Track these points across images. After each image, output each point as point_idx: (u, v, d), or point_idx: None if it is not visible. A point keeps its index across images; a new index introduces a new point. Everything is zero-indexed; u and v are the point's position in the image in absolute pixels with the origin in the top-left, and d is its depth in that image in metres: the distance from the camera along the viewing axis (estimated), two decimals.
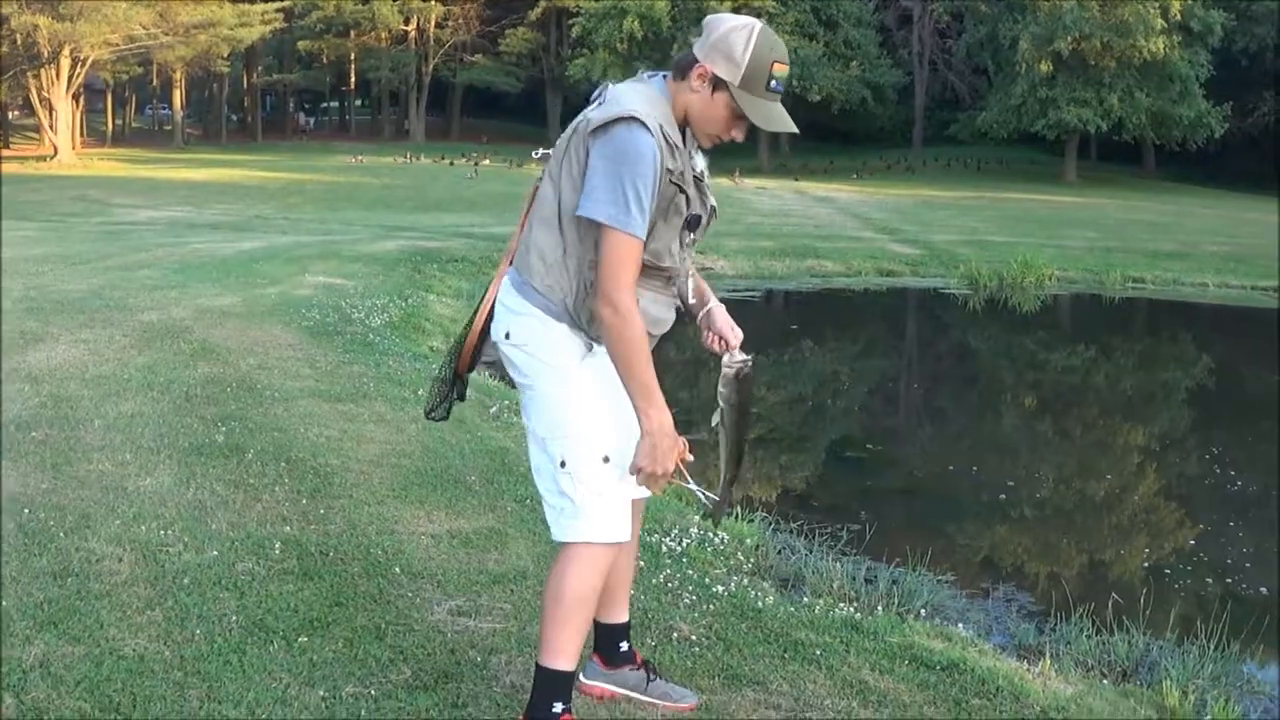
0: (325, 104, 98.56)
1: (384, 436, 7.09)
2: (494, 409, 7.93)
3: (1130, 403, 13.04)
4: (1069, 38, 48.88)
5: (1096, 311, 19.47)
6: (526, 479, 6.16)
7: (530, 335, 3.32)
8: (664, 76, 3.38)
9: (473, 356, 3.57)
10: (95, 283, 13.44)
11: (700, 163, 3.41)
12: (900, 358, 15.88)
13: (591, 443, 3.30)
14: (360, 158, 53.80)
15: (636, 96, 3.27)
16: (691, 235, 3.41)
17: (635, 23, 55.03)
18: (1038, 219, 31.43)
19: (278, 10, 63.17)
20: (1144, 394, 13.64)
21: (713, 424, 3.51)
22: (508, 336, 3.36)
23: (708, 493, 3.69)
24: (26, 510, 5.35)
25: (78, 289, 12.83)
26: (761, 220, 28.41)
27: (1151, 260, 23.03)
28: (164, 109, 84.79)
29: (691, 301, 3.60)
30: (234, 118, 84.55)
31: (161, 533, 5.14)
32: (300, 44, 70.17)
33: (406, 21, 70.34)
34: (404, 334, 11.48)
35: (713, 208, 3.46)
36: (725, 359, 3.46)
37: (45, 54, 51.34)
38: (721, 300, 3.66)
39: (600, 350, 3.31)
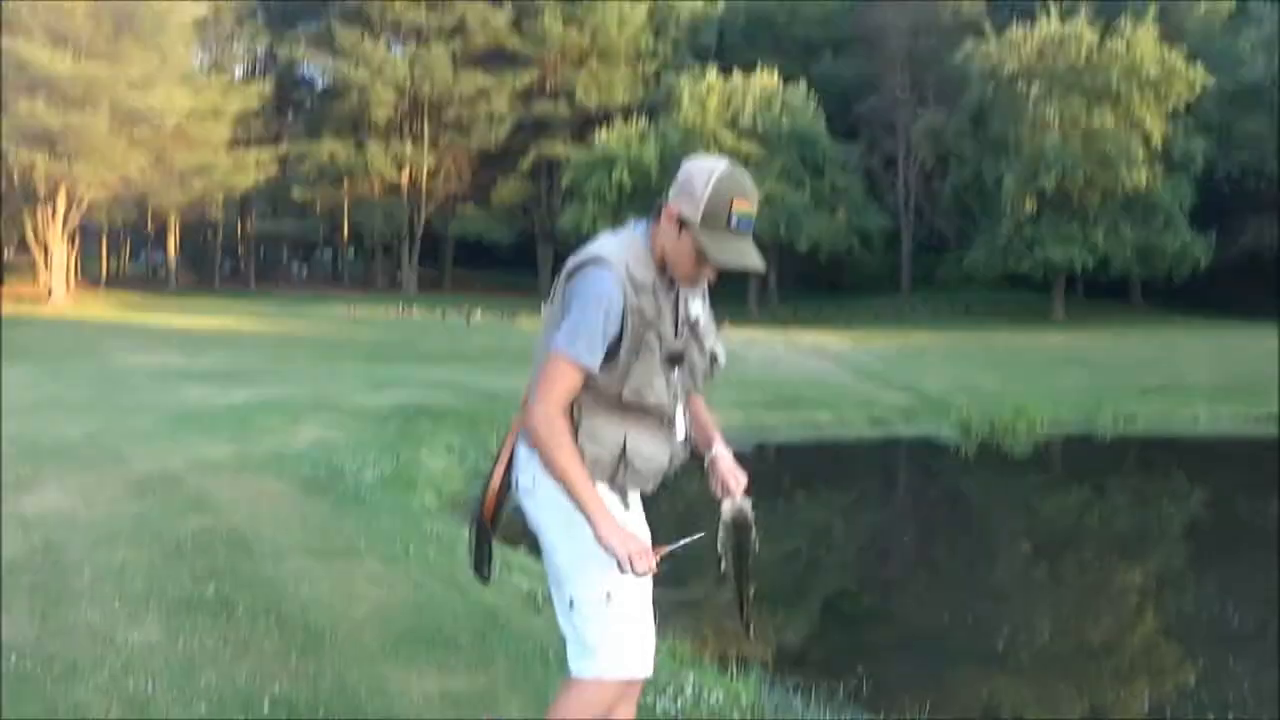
0: (319, 253, 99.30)
1: (375, 594, 7.03)
2: None
3: (1125, 542, 13.01)
4: (1052, 174, 49.41)
5: (1089, 452, 19.50)
6: (519, 637, 6.14)
7: (537, 481, 3.44)
8: (648, 222, 3.50)
9: (496, 506, 3.62)
10: (89, 429, 13.43)
11: (696, 308, 3.55)
12: (894, 508, 15.85)
13: (593, 581, 3.39)
14: (353, 308, 54.08)
15: (611, 241, 3.46)
16: (675, 372, 3.46)
17: (624, 172, 55.74)
18: (1027, 361, 31.59)
19: (272, 157, 64.00)
20: (1139, 533, 13.61)
21: (721, 569, 3.55)
22: (518, 484, 3.52)
23: (687, 542, 3.65)
24: (14, 656, 5.30)
25: (71, 434, 12.82)
26: (751, 371, 28.48)
27: (1142, 396, 23.14)
28: (158, 254, 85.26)
29: (698, 446, 3.69)
30: (228, 265, 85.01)
31: (149, 686, 5.07)
32: (294, 192, 70.83)
33: (399, 171, 71.17)
34: (396, 490, 11.43)
35: (714, 355, 3.61)
36: (724, 504, 3.51)
37: (42, 193, 51.85)
38: None
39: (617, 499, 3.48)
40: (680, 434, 3.57)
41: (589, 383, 3.36)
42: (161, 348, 31.85)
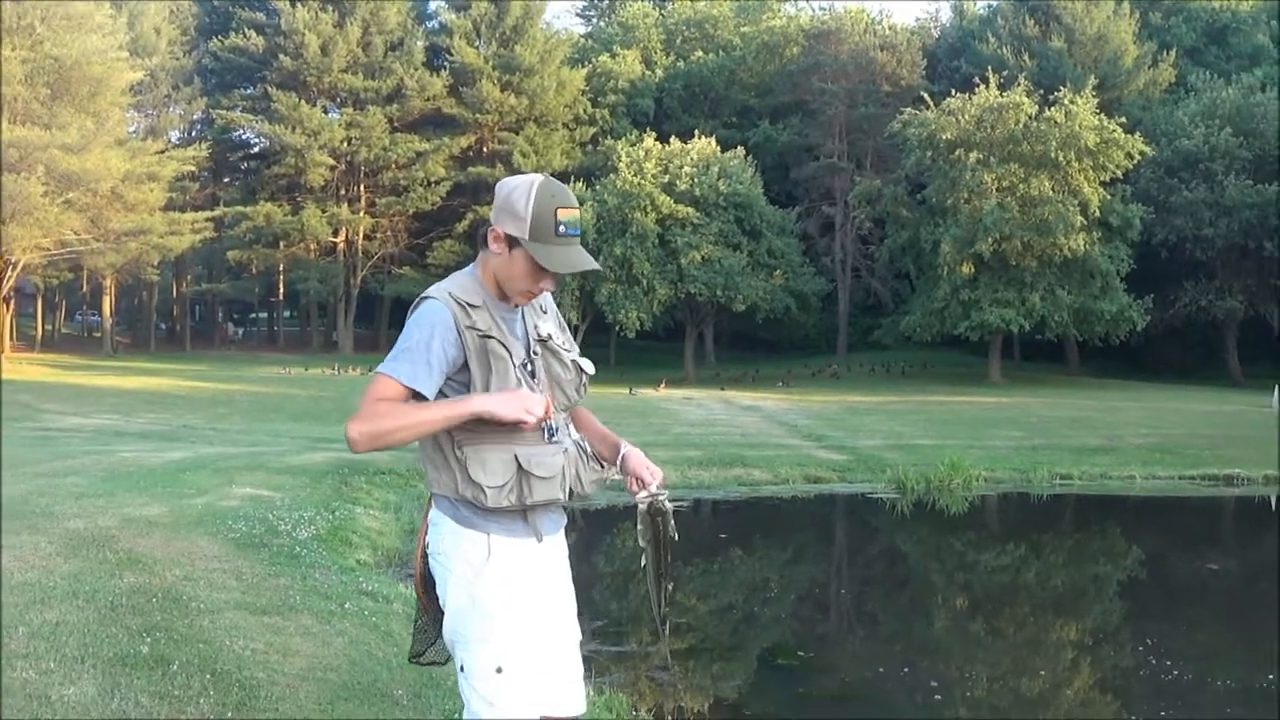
0: (254, 314, 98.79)
1: (310, 649, 7.00)
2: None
3: (1062, 599, 13.12)
4: (990, 239, 49.87)
5: (1025, 510, 19.65)
6: (454, 693, 6.13)
7: (439, 543, 3.48)
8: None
9: (425, 570, 3.61)
10: (22, 489, 13.27)
11: (547, 326, 3.63)
12: (830, 563, 15.90)
13: (486, 653, 3.36)
14: (289, 369, 53.78)
15: (443, 282, 3.53)
16: (534, 380, 3.49)
17: None
18: (963, 420, 31.83)
19: (208, 219, 63.84)
20: (1075, 589, 13.73)
21: (642, 564, 3.60)
22: (429, 549, 3.55)
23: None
24: None
25: (5, 494, 12.66)
26: (688, 430, 28.55)
27: (1078, 456, 23.34)
28: (93, 315, 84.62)
29: (603, 455, 3.72)
30: (163, 326, 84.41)
31: None
32: (230, 254, 70.59)
33: (335, 233, 71.10)
34: (331, 547, 11.38)
35: (578, 365, 3.66)
36: (639, 496, 3.55)
37: None
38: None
39: (527, 547, 3.49)
40: (568, 443, 3.56)
41: (466, 423, 3.36)
42: (96, 408, 31.58)
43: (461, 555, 3.41)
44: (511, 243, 3.41)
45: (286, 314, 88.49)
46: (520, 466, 3.41)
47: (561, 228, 3.38)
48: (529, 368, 3.50)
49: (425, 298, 3.45)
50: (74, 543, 9.87)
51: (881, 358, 61.34)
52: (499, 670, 3.34)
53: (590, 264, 3.46)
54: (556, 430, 3.51)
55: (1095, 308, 51.29)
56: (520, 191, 3.42)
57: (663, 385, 47.06)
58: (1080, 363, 60.23)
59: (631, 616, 10.66)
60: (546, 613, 3.45)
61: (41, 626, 7.00)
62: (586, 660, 3.68)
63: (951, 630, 11.45)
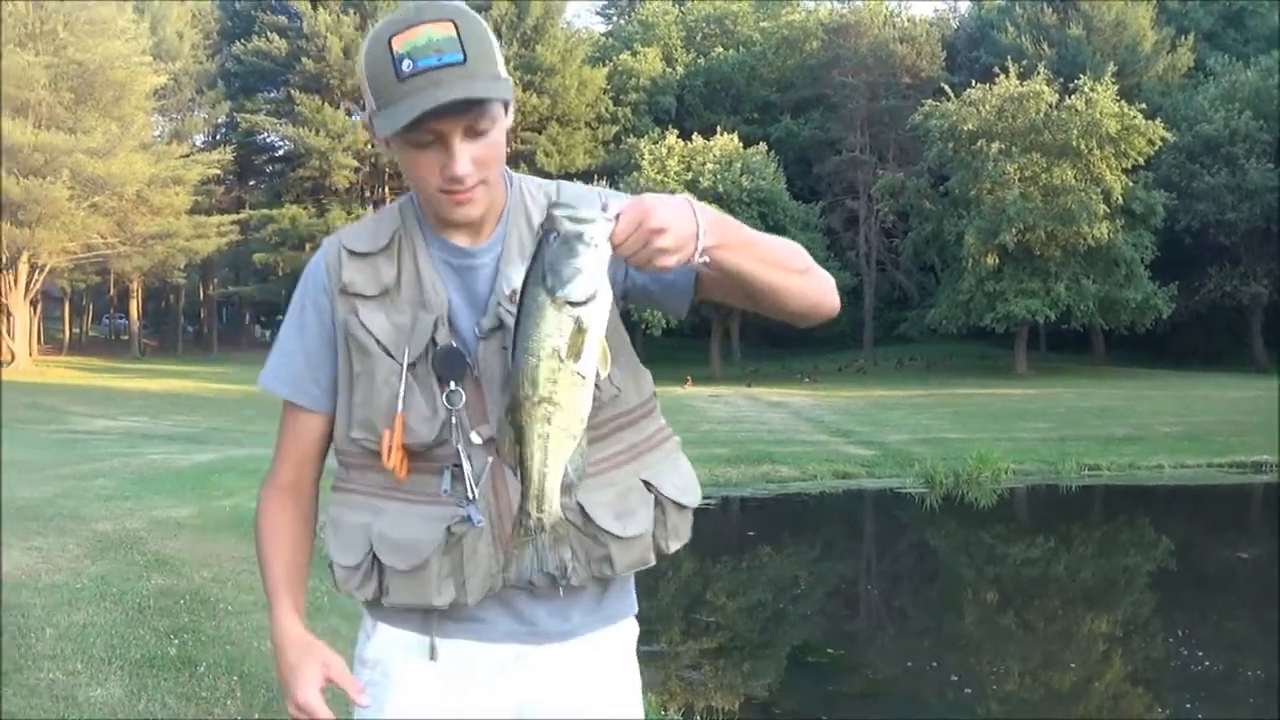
0: (280, 316, 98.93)
1: (338, 651, 6.97)
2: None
3: (1092, 591, 13.02)
4: (1013, 229, 49.75)
5: (1054, 502, 19.53)
6: None
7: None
8: None
9: None
10: (49, 491, 13.33)
11: (518, 276, 1.89)
12: (859, 559, 15.84)
13: None
14: None
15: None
16: (451, 388, 2.05)
17: None
18: (991, 413, 31.68)
19: (233, 222, 64.06)
20: (1105, 581, 13.63)
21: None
22: None
23: None
24: None
25: (32, 497, 12.71)
26: (715, 427, 28.47)
27: (1106, 446, 23.19)
28: (121, 319, 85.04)
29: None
30: (190, 329, 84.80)
31: None
32: (256, 256, 70.80)
33: None
34: None
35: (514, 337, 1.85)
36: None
37: (4, 259, 51.79)
38: None
39: (417, 660, 2.21)
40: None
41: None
42: (123, 411, 31.69)
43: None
44: (377, 131, 1.97)
45: None
46: (371, 543, 2.14)
47: (405, 64, 1.88)
48: (448, 361, 2.05)
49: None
50: (102, 545, 9.90)
51: (908, 351, 61.16)
52: None
53: (456, 93, 1.87)
54: (475, 491, 2.05)
55: (1120, 296, 51.16)
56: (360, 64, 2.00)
57: (689, 383, 47.03)
58: (1105, 352, 59.97)
59: (661, 615, 10.62)
60: None
61: (69, 628, 7.01)
62: None
63: (981, 625, 11.38)
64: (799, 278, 2.18)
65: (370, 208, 70.63)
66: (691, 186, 53.85)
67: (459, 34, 1.92)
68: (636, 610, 2.30)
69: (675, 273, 1.93)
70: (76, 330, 79.35)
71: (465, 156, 1.96)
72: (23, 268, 52.67)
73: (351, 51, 67.62)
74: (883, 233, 67.41)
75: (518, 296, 1.84)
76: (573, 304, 1.75)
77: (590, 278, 1.76)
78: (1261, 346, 55.92)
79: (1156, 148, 51.20)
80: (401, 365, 2.05)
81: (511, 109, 2.06)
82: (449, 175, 1.97)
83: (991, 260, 51.08)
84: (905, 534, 17.90)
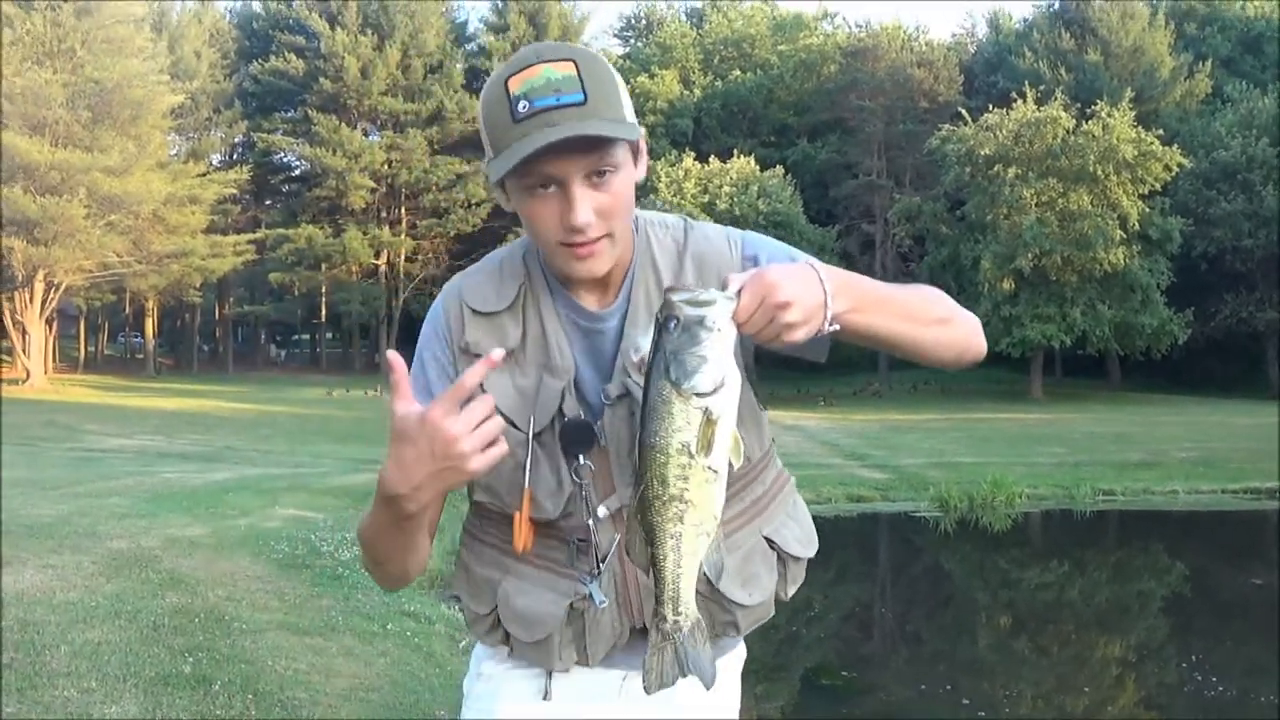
0: (296, 336, 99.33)
1: (352, 670, 6.99)
2: (464, 642, 7.85)
3: (1105, 616, 12.98)
4: (1029, 254, 49.67)
5: (1068, 527, 19.48)
6: None
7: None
8: None
9: None
10: (64, 509, 13.34)
11: (641, 341, 1.87)
12: (873, 583, 15.81)
13: None
14: (334, 392, 53.99)
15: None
16: (579, 461, 1.99)
17: None
18: (1006, 438, 31.60)
19: (249, 242, 64.24)
20: (1119, 606, 13.59)
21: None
22: None
23: None
24: None
25: (46, 514, 12.73)
26: None
27: (1120, 472, 23.13)
28: (136, 337, 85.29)
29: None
30: (205, 348, 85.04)
31: None
32: (272, 276, 70.97)
33: (377, 255, 71.40)
34: None
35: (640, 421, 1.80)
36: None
37: (20, 277, 52.00)
38: None
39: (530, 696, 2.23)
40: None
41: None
42: (139, 429, 31.77)
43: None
44: (500, 184, 2.00)
45: (329, 336, 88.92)
46: (498, 600, 2.14)
47: (521, 105, 1.84)
48: (576, 435, 1.98)
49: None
50: (116, 563, 9.91)
51: (923, 375, 61.01)
52: None
53: (580, 129, 1.83)
54: (601, 566, 2.03)
55: (1136, 321, 51.01)
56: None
57: None
58: (1121, 378, 59.84)
59: None
60: None
61: (83, 646, 7.02)
62: None
63: (995, 649, 11.35)
64: (939, 328, 2.05)
65: (387, 228, 70.89)
66: (708, 209, 53.86)
67: (580, 74, 1.86)
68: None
69: None
70: (92, 348, 79.58)
71: (586, 204, 1.90)
72: (38, 286, 52.87)
73: (369, 72, 67.97)
74: (899, 257, 67.31)
75: (644, 365, 1.78)
76: (700, 395, 1.69)
77: (716, 365, 1.69)
78: (1277, 373, 55.68)
79: (1173, 174, 51.06)
80: (527, 436, 1.99)
81: (643, 162, 2.02)
82: (569, 225, 1.91)
83: (1007, 285, 50.98)
84: (920, 558, 17.87)
